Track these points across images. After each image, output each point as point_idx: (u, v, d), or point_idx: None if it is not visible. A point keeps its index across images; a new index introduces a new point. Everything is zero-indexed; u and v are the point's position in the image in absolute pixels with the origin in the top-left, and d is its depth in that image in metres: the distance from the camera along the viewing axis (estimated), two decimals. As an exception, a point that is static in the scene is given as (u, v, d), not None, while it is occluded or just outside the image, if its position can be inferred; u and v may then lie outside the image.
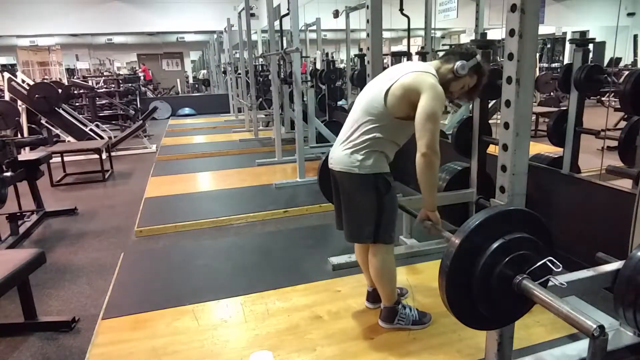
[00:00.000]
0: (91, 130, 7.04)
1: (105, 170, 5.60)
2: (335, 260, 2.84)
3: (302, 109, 4.87)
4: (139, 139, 7.62)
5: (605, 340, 1.13)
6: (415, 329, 2.13)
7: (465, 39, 15.08)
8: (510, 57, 1.36)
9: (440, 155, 1.84)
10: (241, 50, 8.40)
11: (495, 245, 1.28)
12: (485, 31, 4.66)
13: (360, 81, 5.98)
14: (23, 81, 6.86)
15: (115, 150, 7.02)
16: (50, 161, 4.66)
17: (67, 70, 16.20)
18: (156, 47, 18.18)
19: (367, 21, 2.91)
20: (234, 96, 10.45)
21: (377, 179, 1.93)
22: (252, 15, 7.08)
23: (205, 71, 17.74)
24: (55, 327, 2.34)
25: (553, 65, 10.54)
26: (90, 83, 10.43)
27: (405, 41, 5.91)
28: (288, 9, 4.98)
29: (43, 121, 6.83)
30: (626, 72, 5.42)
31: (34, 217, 3.91)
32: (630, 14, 13.45)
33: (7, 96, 6.65)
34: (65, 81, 11.71)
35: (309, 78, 6.02)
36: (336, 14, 7.89)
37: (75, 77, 13.60)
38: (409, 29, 5.60)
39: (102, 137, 6.89)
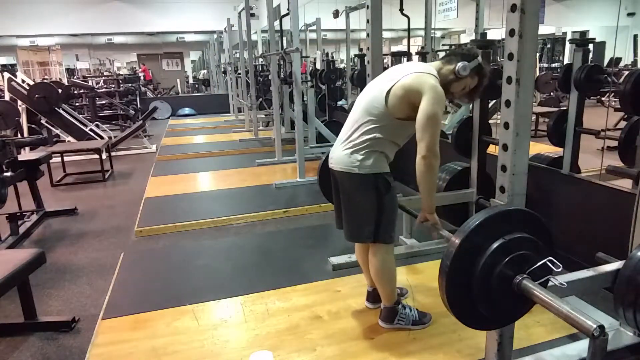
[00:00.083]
0: (91, 130, 7.04)
1: (105, 170, 5.60)
2: (335, 260, 2.84)
3: (302, 109, 4.87)
4: (139, 139, 7.62)
5: (605, 340, 1.13)
6: (415, 329, 2.13)
7: (465, 39, 15.08)
8: (510, 57, 1.37)
9: (440, 156, 1.85)
10: (241, 50, 8.40)
11: (495, 245, 1.28)
12: (485, 31, 4.66)
13: (360, 81, 5.98)
14: (23, 81, 6.86)
15: (115, 150, 7.02)
16: (50, 161, 4.66)
17: (67, 70, 16.20)
18: (156, 47, 18.18)
19: (367, 21, 2.91)
20: (234, 96, 10.45)
21: (377, 179, 1.94)
22: (252, 15, 7.08)
23: (205, 71, 17.75)
24: (55, 327, 2.34)
25: (553, 65, 10.54)
26: (90, 83, 10.43)
27: (405, 41, 5.92)
28: (288, 9, 4.98)
29: (43, 121, 6.83)
30: (626, 72, 5.42)
31: (34, 217, 3.91)
32: (630, 14, 13.45)
33: (7, 96, 6.65)
34: (65, 81, 11.71)
35: (309, 78, 6.02)
36: (336, 14, 7.89)
37: (75, 77, 13.60)
38: (409, 29, 5.60)
39: (102, 137, 6.89)
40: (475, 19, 4.55)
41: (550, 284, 1.32)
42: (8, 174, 3.48)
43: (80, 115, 7.86)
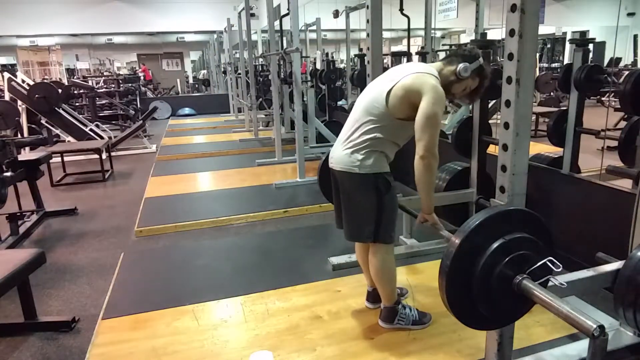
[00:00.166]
0: (91, 130, 7.04)
1: (105, 170, 5.60)
2: (335, 260, 2.84)
3: (302, 109, 4.87)
4: (139, 139, 7.62)
5: (605, 340, 1.13)
6: (415, 329, 2.13)
7: (465, 39, 15.07)
8: (510, 57, 1.37)
9: (440, 156, 1.85)
10: (241, 50, 8.40)
11: (495, 245, 1.28)
12: (485, 31, 4.66)
13: (360, 81, 5.98)
14: (23, 81, 6.86)
15: (115, 150, 7.02)
16: (50, 161, 4.66)
17: (67, 70, 16.20)
18: (156, 47, 18.18)
19: (367, 21, 2.91)
20: (234, 96, 10.45)
21: (377, 179, 1.94)
22: (252, 15, 7.08)
23: (205, 71, 17.74)
24: (55, 327, 2.34)
25: (553, 65, 10.54)
26: (90, 83, 10.43)
27: (405, 41, 5.92)
28: (288, 9, 4.98)
29: (43, 121, 6.83)
30: (626, 72, 5.42)
31: (34, 217, 3.91)
32: (630, 14, 13.44)
33: (7, 96, 6.65)
34: (65, 81, 11.72)
35: (309, 78, 6.02)
36: (336, 14, 7.89)
37: (75, 77, 13.60)
38: (409, 29, 5.60)
39: (102, 137, 6.89)
40: (475, 19, 4.55)
41: (550, 284, 1.32)
42: (8, 174, 3.48)
43: (80, 115, 7.86)
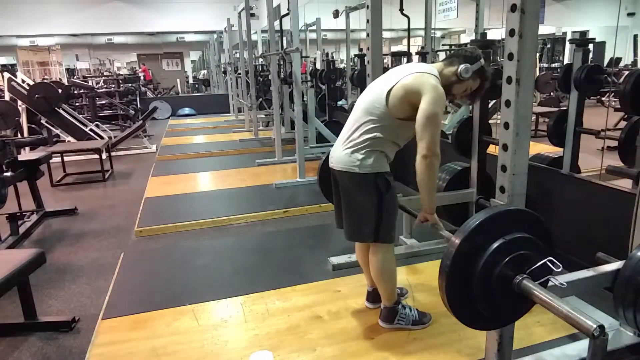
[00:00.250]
0: (91, 130, 7.04)
1: (105, 170, 5.60)
2: (335, 260, 2.84)
3: (302, 109, 4.87)
4: (139, 139, 7.62)
5: (605, 340, 1.13)
6: (415, 329, 2.13)
7: (465, 39, 15.08)
8: (510, 57, 1.36)
9: (440, 156, 1.84)
10: (241, 50, 8.40)
11: (495, 245, 1.27)
12: (485, 31, 4.66)
13: (360, 81, 5.98)
14: (23, 81, 6.86)
15: (115, 150, 7.02)
16: (50, 161, 4.66)
17: (67, 70, 16.21)
18: (156, 47, 18.18)
19: (367, 21, 2.91)
20: (234, 96, 10.45)
21: (377, 178, 1.94)
22: (252, 15, 7.08)
23: (205, 71, 17.75)
24: (55, 327, 2.34)
25: (553, 65, 10.53)
26: (90, 83, 10.43)
27: (405, 41, 5.92)
28: (288, 9, 4.99)
29: (43, 121, 6.83)
30: (626, 72, 5.42)
31: (34, 217, 3.91)
32: (630, 14, 13.45)
33: (7, 96, 6.65)
34: (65, 81, 11.72)
35: (309, 78, 6.02)
36: (336, 14, 7.88)
37: (75, 77, 13.61)
38: (409, 29, 5.60)
39: (102, 137, 6.89)
40: (475, 19, 4.55)
41: (550, 284, 1.32)
42: (8, 174, 3.48)
43: (80, 115, 7.86)
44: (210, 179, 5.39)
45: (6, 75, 6.82)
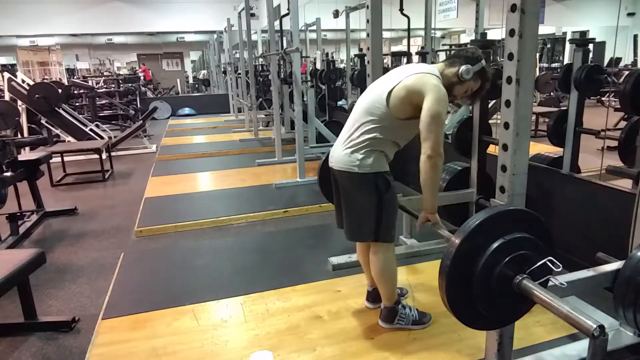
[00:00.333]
0: (91, 130, 7.04)
1: (105, 170, 5.60)
2: (335, 260, 2.84)
3: (302, 109, 4.87)
4: (139, 139, 7.62)
5: (605, 340, 1.13)
6: (415, 329, 2.13)
7: (465, 39, 15.07)
8: (510, 57, 1.36)
9: (442, 155, 1.85)
10: (241, 50, 8.40)
11: (495, 245, 1.27)
12: (485, 31, 4.66)
13: (360, 81, 5.98)
14: (23, 81, 6.86)
15: (115, 150, 7.02)
16: (50, 161, 4.66)
17: (67, 70, 16.21)
18: (156, 47, 18.18)
19: (367, 21, 2.91)
20: (234, 96, 10.45)
21: (377, 178, 1.94)
22: (252, 15, 7.08)
23: (205, 71, 17.75)
24: (55, 327, 2.34)
25: (553, 65, 10.53)
26: (90, 83, 10.43)
27: (405, 41, 5.92)
28: (288, 9, 4.99)
29: (43, 121, 6.83)
30: (626, 72, 5.42)
31: (34, 217, 3.91)
32: (630, 14, 13.45)
33: (7, 96, 6.65)
34: (65, 81, 11.72)
35: (309, 78, 6.02)
36: (336, 14, 7.88)
37: (75, 77, 13.60)
38: (409, 29, 5.60)
39: (102, 137, 6.89)
40: (475, 19, 4.55)
41: (550, 284, 1.32)
42: (8, 174, 3.48)
43: (80, 115, 7.86)
44: (210, 179, 5.39)
45: (6, 75, 6.82)
